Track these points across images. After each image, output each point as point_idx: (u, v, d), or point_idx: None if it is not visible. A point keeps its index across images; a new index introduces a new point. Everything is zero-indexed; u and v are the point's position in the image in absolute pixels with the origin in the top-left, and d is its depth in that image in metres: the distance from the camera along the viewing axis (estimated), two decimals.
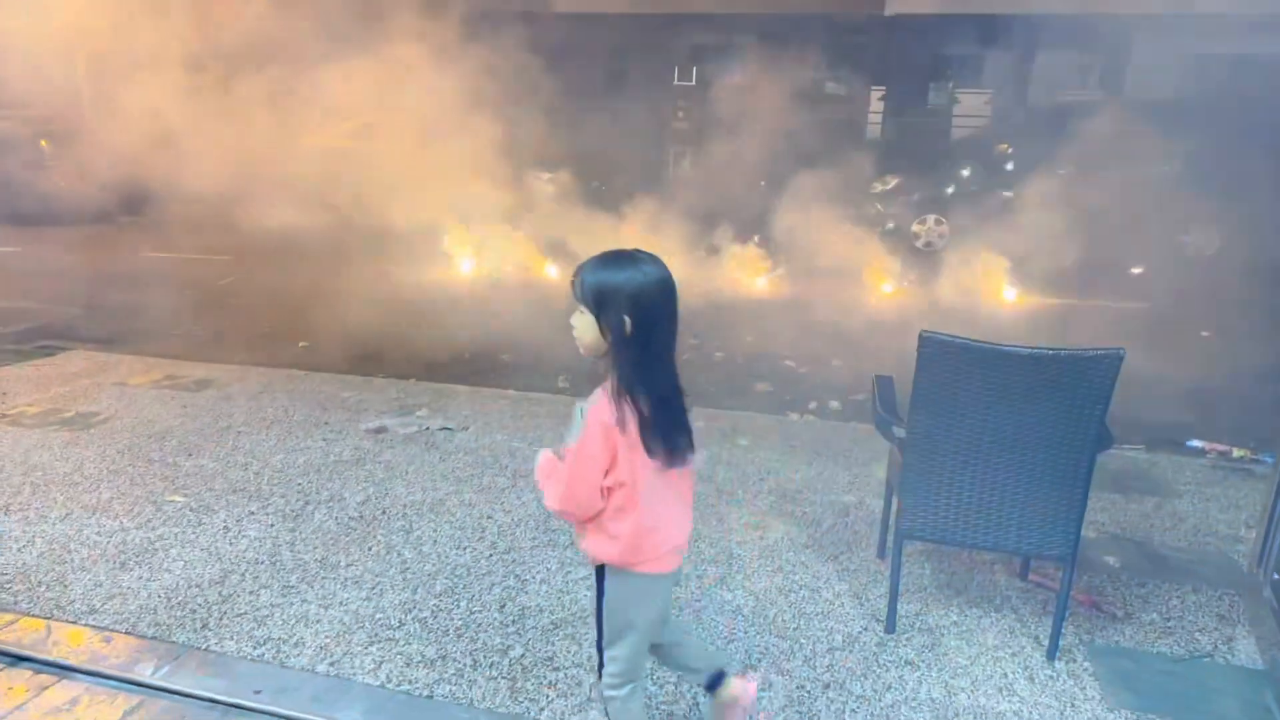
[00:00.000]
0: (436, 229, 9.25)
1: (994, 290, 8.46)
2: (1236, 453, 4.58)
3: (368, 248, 9.14)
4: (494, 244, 9.29)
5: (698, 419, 1.89)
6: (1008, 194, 10.51)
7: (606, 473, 1.79)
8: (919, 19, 14.83)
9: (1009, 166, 11.48)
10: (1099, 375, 2.45)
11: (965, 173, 11.81)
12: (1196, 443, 4.70)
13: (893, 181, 11.77)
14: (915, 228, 11.46)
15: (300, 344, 6.45)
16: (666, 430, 1.79)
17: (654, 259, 1.80)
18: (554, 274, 8.95)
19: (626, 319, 1.73)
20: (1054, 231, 8.52)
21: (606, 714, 2.00)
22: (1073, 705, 2.51)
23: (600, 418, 1.76)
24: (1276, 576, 2.75)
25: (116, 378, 5.38)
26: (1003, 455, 2.60)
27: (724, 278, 8.99)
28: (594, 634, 2.12)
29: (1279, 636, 2.70)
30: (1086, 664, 2.71)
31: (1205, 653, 2.79)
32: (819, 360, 6.27)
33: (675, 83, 16.26)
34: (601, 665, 1.99)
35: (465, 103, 8.52)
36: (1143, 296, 8.42)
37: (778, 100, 10.04)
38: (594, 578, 1.98)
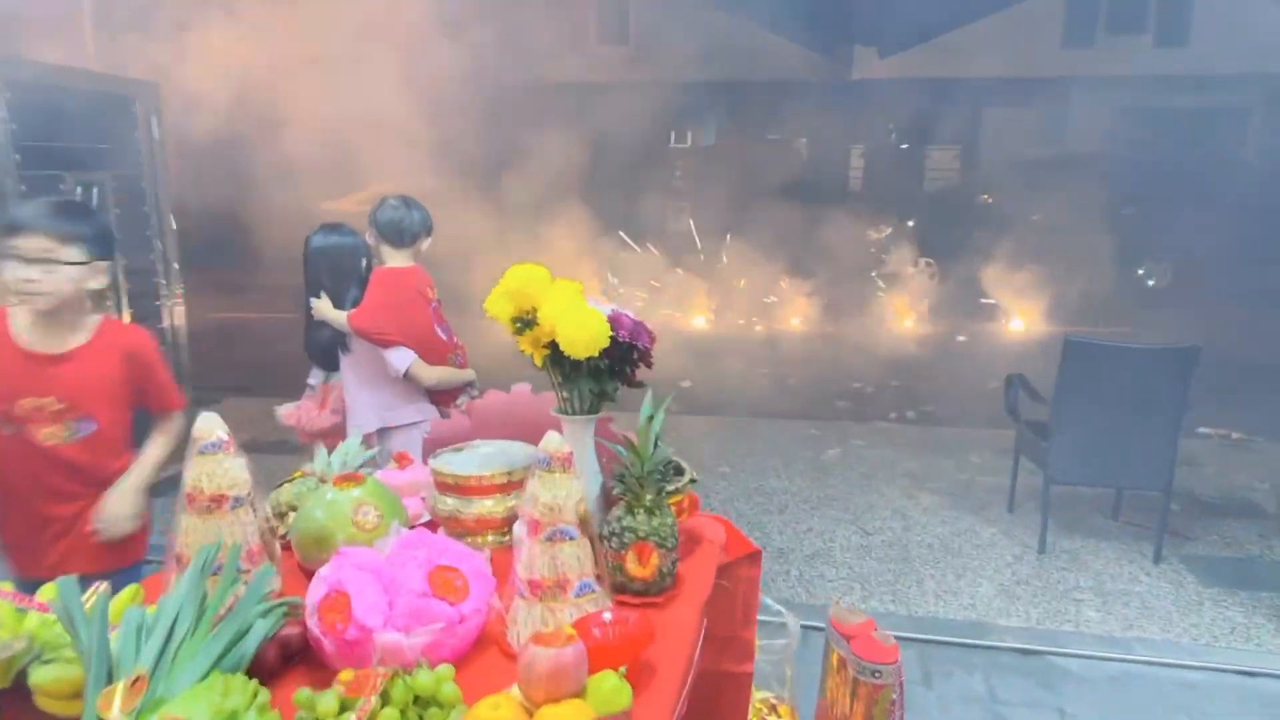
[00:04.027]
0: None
1: (990, 319, 9.88)
2: (1235, 435, 5.90)
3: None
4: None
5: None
6: (987, 237, 12.06)
7: None
8: (884, 82, 16.63)
9: (987, 213, 13.11)
10: (1185, 360, 3.69)
11: (947, 219, 13.39)
12: (1205, 430, 6.01)
13: (886, 230, 13.28)
14: (910, 269, 12.93)
15: None
16: None
17: None
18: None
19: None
20: (1037, 269, 10.05)
21: None
22: (1181, 586, 3.71)
23: None
24: None
25: None
26: (1122, 418, 3.80)
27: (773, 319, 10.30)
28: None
29: None
30: (1180, 564, 3.91)
31: (1256, 555, 4.03)
32: (879, 381, 7.49)
33: (671, 145, 17.70)
34: None
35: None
36: (1121, 322, 9.88)
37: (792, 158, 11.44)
38: None
